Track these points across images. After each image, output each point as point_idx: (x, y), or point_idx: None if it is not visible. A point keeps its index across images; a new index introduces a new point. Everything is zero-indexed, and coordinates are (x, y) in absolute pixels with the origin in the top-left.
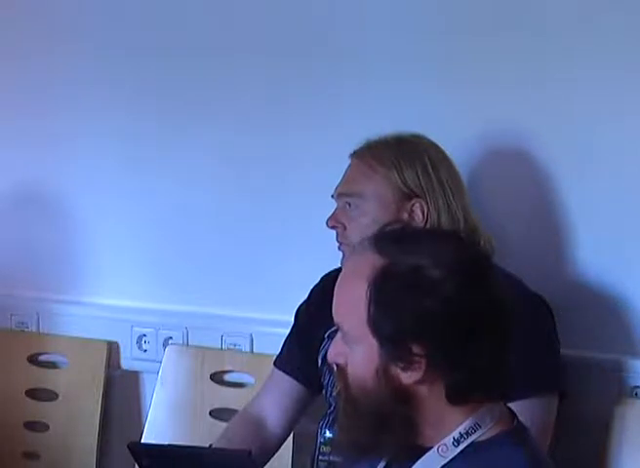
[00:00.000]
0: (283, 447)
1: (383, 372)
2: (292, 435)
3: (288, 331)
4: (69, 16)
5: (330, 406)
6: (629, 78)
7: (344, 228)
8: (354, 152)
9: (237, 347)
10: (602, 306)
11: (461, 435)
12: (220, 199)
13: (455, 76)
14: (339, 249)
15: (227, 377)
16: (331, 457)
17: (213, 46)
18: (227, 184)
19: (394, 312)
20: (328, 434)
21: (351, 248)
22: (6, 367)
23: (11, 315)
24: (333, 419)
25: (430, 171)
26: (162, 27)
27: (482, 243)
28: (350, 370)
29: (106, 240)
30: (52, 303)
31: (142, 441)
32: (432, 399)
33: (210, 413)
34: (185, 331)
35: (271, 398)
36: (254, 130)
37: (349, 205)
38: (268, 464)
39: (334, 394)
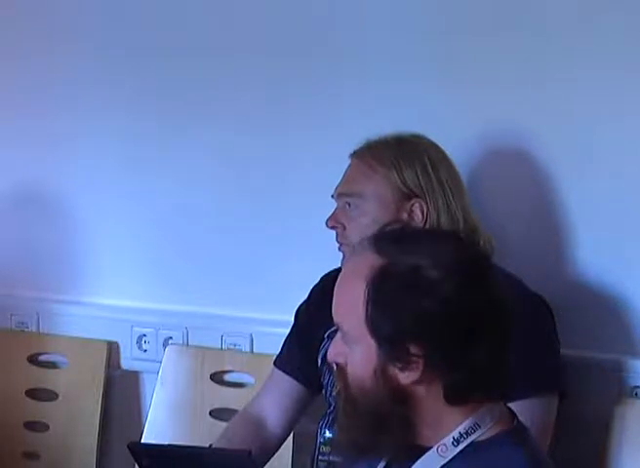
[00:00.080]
0: (283, 447)
1: (381, 372)
2: (292, 435)
3: (288, 330)
4: (69, 16)
5: (330, 405)
6: (629, 78)
7: (344, 228)
8: (354, 152)
9: (237, 347)
10: (602, 306)
11: (461, 435)
12: (219, 199)
13: (455, 76)
14: (339, 249)
15: (227, 377)
16: (330, 457)
17: (213, 46)
18: (227, 184)
19: (392, 312)
20: (328, 434)
21: (351, 248)
22: (6, 367)
23: (11, 315)
24: (332, 419)
25: (430, 171)
26: (162, 27)
27: (482, 243)
28: (350, 369)
29: (106, 240)
30: (52, 303)
31: (142, 441)
32: (430, 399)
33: (210, 413)
34: (185, 331)
35: (271, 398)
36: (254, 130)
37: (349, 205)
38: (268, 464)
39: (333, 394)
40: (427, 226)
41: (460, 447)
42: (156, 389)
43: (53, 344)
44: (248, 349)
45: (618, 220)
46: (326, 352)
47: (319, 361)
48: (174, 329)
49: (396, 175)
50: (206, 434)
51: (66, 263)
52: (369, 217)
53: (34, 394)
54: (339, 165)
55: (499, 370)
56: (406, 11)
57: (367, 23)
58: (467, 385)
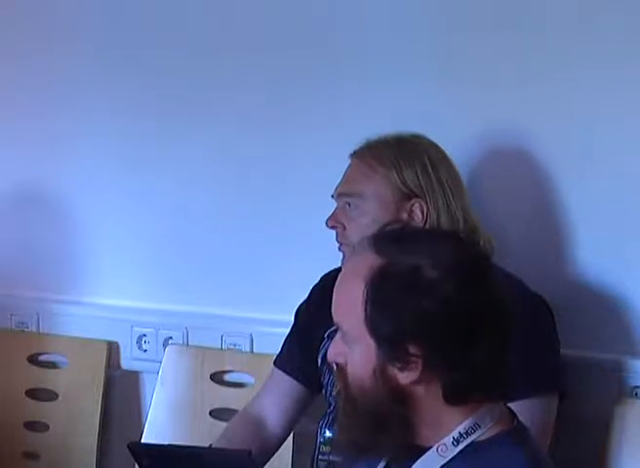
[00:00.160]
0: (283, 446)
1: (381, 372)
2: (292, 435)
3: (288, 330)
4: (69, 16)
5: (330, 405)
6: (629, 78)
7: (344, 228)
8: (354, 152)
9: (237, 347)
10: (602, 306)
11: (461, 435)
12: (219, 199)
13: (455, 76)
14: (339, 249)
15: (227, 377)
16: (330, 457)
17: (213, 46)
18: (227, 184)
19: (391, 312)
20: (328, 433)
21: (351, 248)
22: (6, 367)
23: (11, 315)
24: (333, 419)
25: (430, 171)
26: (162, 27)
27: (482, 243)
28: (349, 369)
29: (106, 240)
30: (52, 303)
31: (142, 441)
32: (429, 399)
33: (210, 413)
34: (185, 331)
35: (271, 398)
36: (254, 130)
37: (349, 205)
38: (268, 464)
39: (333, 394)
40: (427, 226)
41: (460, 446)
42: (156, 389)
43: (53, 344)
44: (248, 349)
45: (618, 220)
46: (326, 352)
47: (319, 361)
48: (174, 329)
49: (396, 175)
50: (206, 434)
51: (66, 263)
52: (369, 217)
53: (34, 394)
54: (339, 165)
55: (498, 370)
56: (406, 11)
57: (367, 23)
58: (467, 385)
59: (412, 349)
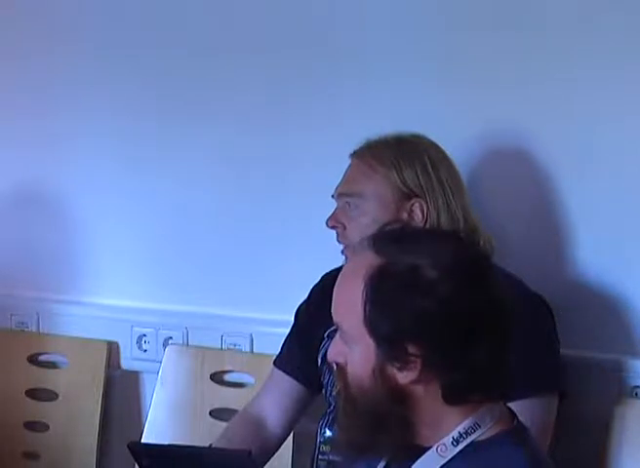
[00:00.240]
0: (283, 446)
1: (380, 372)
2: (292, 435)
3: (288, 330)
4: (69, 16)
5: (330, 405)
6: (629, 78)
7: (344, 228)
8: (354, 152)
9: (237, 347)
10: (602, 306)
11: (461, 435)
12: (219, 199)
13: (455, 76)
14: (342, 253)
15: (227, 377)
16: (330, 457)
17: (213, 46)
18: (227, 184)
19: (390, 312)
20: (328, 433)
21: (352, 250)
22: (6, 367)
23: (11, 315)
24: (333, 419)
25: (430, 170)
26: (162, 27)
27: (482, 243)
28: (349, 369)
29: (106, 240)
30: (52, 303)
31: (142, 441)
32: (429, 399)
33: (210, 413)
34: (185, 331)
35: (271, 398)
36: (254, 130)
37: (349, 205)
38: (268, 464)
39: (333, 393)
40: (427, 226)
41: (460, 446)
42: (156, 389)
43: (53, 344)
44: (248, 349)
45: (618, 220)
46: (326, 352)
47: (319, 361)
48: (174, 329)
49: (396, 175)
50: (206, 434)
51: (66, 263)
52: (369, 217)
53: (34, 394)
54: (339, 165)
55: (498, 369)
56: (406, 11)
57: (367, 23)
58: (466, 385)
59: (411, 349)
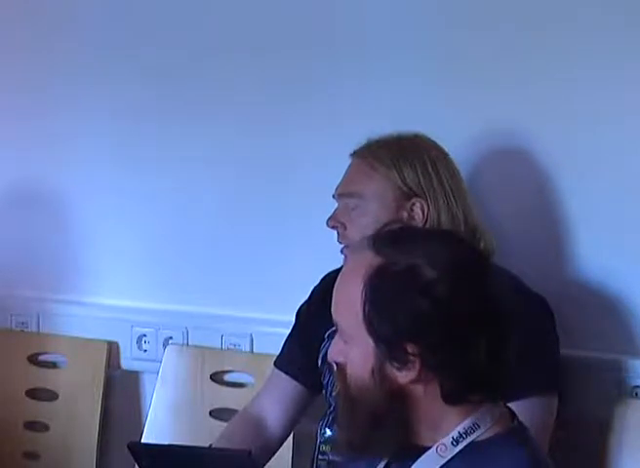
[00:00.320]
0: (283, 447)
1: (379, 372)
2: (292, 435)
3: (288, 331)
4: (69, 15)
5: (330, 405)
6: (629, 78)
7: (345, 228)
8: (354, 152)
9: (237, 347)
10: (602, 306)
11: (461, 435)
12: (220, 199)
13: (455, 76)
14: (341, 252)
15: (227, 377)
16: (330, 456)
17: (213, 46)
18: (227, 184)
19: (389, 312)
20: (328, 433)
21: (352, 249)
22: (6, 367)
23: (11, 315)
24: (333, 419)
25: (430, 170)
26: (162, 27)
27: (482, 243)
28: (349, 368)
29: (106, 240)
30: (52, 303)
31: (142, 441)
32: (428, 399)
33: (210, 413)
34: (185, 331)
35: (271, 398)
36: (254, 130)
37: (350, 205)
38: (268, 464)
39: (333, 394)
40: (428, 226)
41: (460, 446)
42: (156, 389)
43: (53, 344)
44: (248, 349)
45: (618, 220)
46: (326, 352)
47: (319, 361)
48: (174, 329)
49: (396, 175)
50: (206, 434)
51: (66, 263)
52: (369, 217)
53: (34, 394)
54: (339, 165)
55: (498, 369)
56: (406, 11)
57: (367, 23)
58: (466, 385)
59: (410, 348)
